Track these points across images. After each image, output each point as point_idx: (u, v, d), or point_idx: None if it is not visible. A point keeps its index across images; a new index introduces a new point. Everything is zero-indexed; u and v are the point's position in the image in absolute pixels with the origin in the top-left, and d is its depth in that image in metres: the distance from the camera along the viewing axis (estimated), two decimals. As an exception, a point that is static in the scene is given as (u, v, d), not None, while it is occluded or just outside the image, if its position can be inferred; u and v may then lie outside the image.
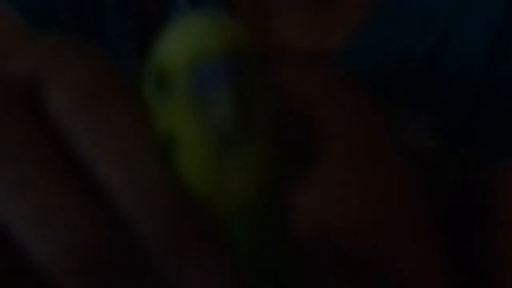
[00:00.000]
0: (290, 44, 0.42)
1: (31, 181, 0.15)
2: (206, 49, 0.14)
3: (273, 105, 0.16)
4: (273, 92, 0.16)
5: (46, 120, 0.15)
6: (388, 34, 0.40)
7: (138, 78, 0.17)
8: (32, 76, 0.16)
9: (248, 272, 0.16)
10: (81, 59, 0.16)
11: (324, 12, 0.42)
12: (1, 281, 0.16)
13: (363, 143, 0.30)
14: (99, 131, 0.15)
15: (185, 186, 0.15)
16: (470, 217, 0.38)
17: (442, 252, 0.32)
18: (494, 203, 0.38)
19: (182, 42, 0.15)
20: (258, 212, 0.15)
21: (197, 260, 0.15)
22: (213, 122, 0.14)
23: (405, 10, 0.41)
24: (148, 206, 0.15)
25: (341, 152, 0.29)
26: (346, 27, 0.41)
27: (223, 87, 0.14)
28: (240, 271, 0.15)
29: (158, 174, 0.15)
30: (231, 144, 0.14)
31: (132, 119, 0.15)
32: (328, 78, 0.32)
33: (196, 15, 0.15)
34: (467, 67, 0.39)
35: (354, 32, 0.41)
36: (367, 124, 0.31)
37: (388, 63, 0.40)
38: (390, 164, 0.32)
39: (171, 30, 0.15)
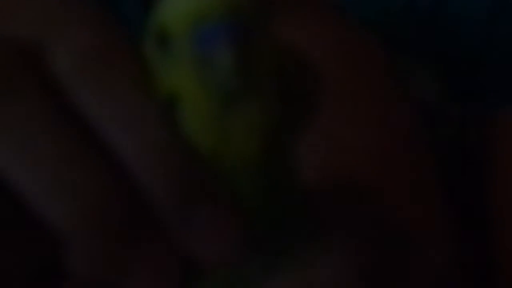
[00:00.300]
0: None
1: (39, 144, 0.15)
2: (206, 8, 0.15)
3: (275, 60, 0.16)
4: (276, 47, 0.16)
5: (49, 80, 0.16)
6: None
7: (142, 36, 0.17)
8: (35, 35, 0.16)
9: (254, 222, 0.16)
10: (84, 18, 0.16)
11: None
12: (14, 244, 0.17)
13: (366, 92, 0.31)
14: (103, 91, 0.15)
15: (190, 143, 0.15)
16: (470, 165, 0.39)
17: (443, 202, 0.32)
18: (495, 149, 0.38)
19: (182, 2, 0.15)
20: (262, 165, 0.16)
21: (205, 212, 0.15)
22: (215, 79, 0.14)
23: None
24: (156, 164, 0.15)
25: (344, 101, 0.29)
26: None
27: (224, 45, 0.14)
28: (247, 221, 0.15)
29: (163, 132, 0.15)
30: (232, 100, 0.15)
31: (135, 79, 0.16)
32: (331, 27, 0.32)
33: None
34: (470, 16, 0.38)
35: None
36: (371, 74, 0.31)
37: (392, 11, 0.39)
38: (395, 112, 0.32)
39: None
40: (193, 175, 0.15)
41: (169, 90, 0.15)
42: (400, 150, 0.31)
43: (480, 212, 0.39)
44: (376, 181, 0.27)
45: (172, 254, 0.15)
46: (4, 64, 0.15)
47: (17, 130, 0.15)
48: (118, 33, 0.16)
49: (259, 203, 0.16)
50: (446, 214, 0.33)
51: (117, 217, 0.15)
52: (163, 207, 0.15)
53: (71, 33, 0.16)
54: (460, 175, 0.39)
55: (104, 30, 0.16)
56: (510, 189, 0.37)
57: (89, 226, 0.15)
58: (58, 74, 0.15)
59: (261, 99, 0.15)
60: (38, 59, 0.15)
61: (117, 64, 0.16)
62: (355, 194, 0.22)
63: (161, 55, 0.15)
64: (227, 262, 0.16)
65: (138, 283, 0.15)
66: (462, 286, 0.31)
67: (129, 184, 0.15)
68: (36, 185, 0.15)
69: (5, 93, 0.15)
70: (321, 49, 0.29)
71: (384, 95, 0.31)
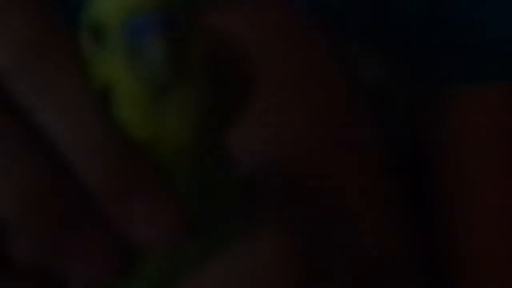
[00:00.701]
0: None
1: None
2: (138, 2, 0.15)
3: (208, 49, 0.16)
4: (208, 36, 0.17)
5: None
6: None
7: (79, 26, 0.17)
8: None
9: (190, 209, 0.16)
10: (21, 7, 0.16)
11: None
12: None
13: (302, 76, 0.31)
14: (39, 81, 0.15)
15: (125, 132, 0.15)
16: (419, 147, 0.39)
17: (391, 183, 0.33)
18: (441, 130, 0.39)
19: None
20: (197, 151, 0.16)
21: (140, 198, 0.15)
22: (146, 70, 0.15)
23: None
24: (91, 152, 0.15)
25: (279, 86, 0.29)
26: None
27: (153, 36, 0.15)
28: (182, 207, 0.16)
29: (99, 121, 0.15)
30: (164, 89, 0.15)
31: (71, 69, 0.16)
32: (274, 15, 0.32)
33: None
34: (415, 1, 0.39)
35: None
36: (310, 59, 0.31)
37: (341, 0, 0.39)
38: (336, 96, 0.32)
39: None
40: (127, 163, 0.15)
41: (104, 82, 0.16)
42: (341, 135, 0.31)
43: (427, 194, 0.39)
44: (316, 167, 0.27)
45: (110, 237, 0.16)
46: None
47: None
48: (55, 23, 0.16)
49: (194, 189, 0.17)
50: (393, 201, 0.33)
51: (54, 204, 0.15)
52: (99, 194, 0.15)
53: (7, 22, 0.16)
54: (409, 157, 0.39)
55: (41, 19, 0.16)
56: (456, 167, 0.38)
57: (25, 213, 0.15)
58: None
59: (193, 88, 0.15)
60: None
61: (53, 55, 0.16)
62: (294, 179, 0.23)
63: (96, 47, 0.16)
64: (165, 246, 0.16)
65: (76, 267, 0.16)
66: (407, 276, 0.31)
67: (67, 172, 0.15)
68: None
69: None
70: (257, 35, 0.29)
71: (323, 79, 0.31)
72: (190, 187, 0.16)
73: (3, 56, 0.15)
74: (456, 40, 0.39)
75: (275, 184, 0.21)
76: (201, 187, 0.17)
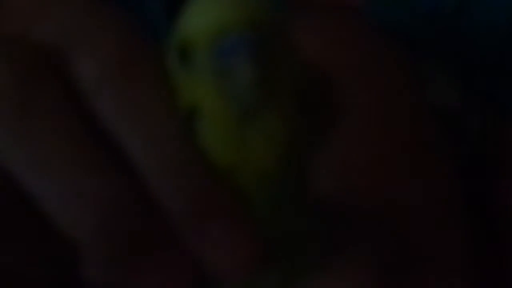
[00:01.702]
0: None
1: (58, 155, 0.15)
2: (227, 23, 0.15)
3: (295, 73, 0.16)
4: (296, 60, 0.16)
5: (71, 87, 0.16)
6: None
7: (165, 45, 0.17)
8: (62, 42, 0.16)
9: (270, 239, 0.16)
10: (111, 27, 0.16)
11: None
12: (33, 251, 0.17)
13: (383, 104, 0.30)
14: (125, 104, 0.15)
15: (208, 157, 0.15)
16: (489, 171, 0.37)
17: (461, 213, 0.32)
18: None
19: (204, 16, 0.15)
20: (280, 180, 0.16)
21: (218, 227, 0.15)
22: (234, 93, 0.15)
23: None
24: (173, 178, 0.15)
25: (361, 115, 0.28)
26: None
27: (243, 58, 0.14)
28: (260, 235, 0.15)
29: (183, 146, 0.15)
30: (251, 113, 0.15)
31: (157, 92, 0.16)
32: (350, 36, 0.31)
33: None
34: (493, 25, 0.38)
35: None
36: (387, 84, 0.31)
37: (414, 18, 0.38)
38: (410, 124, 0.31)
39: (193, 5, 0.15)
40: (209, 190, 0.15)
41: (190, 103, 0.15)
42: (414, 161, 0.30)
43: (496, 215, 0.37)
44: (394, 199, 0.26)
45: (186, 263, 0.15)
46: (31, 70, 0.15)
47: (35, 136, 0.15)
48: (142, 44, 0.16)
49: (275, 217, 0.16)
50: (468, 233, 0.32)
51: (131, 226, 0.15)
52: (178, 220, 0.15)
53: (96, 43, 0.16)
54: (481, 176, 0.38)
55: (129, 41, 0.16)
56: None
57: (102, 233, 0.15)
58: (82, 84, 0.15)
59: (280, 112, 0.15)
60: (64, 67, 0.16)
61: (140, 78, 0.16)
62: (372, 210, 0.22)
63: (183, 68, 0.15)
64: (241, 276, 0.16)
65: None
66: None
67: (147, 196, 0.15)
68: (49, 192, 0.15)
69: (30, 98, 0.15)
70: (335, 58, 0.28)
71: (400, 107, 0.30)
72: (270, 214, 0.16)
73: (91, 76, 0.15)
74: None
75: (354, 214, 0.20)
76: (282, 214, 0.16)
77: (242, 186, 0.16)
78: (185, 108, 0.16)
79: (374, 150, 0.28)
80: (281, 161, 0.16)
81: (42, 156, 0.15)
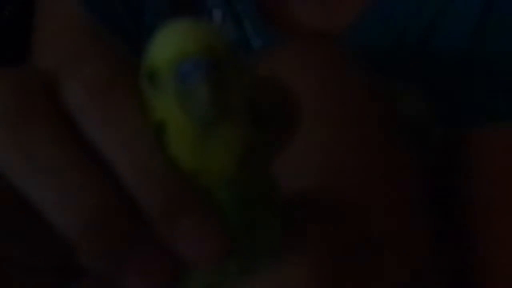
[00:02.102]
0: (305, 22, 0.45)
1: (51, 163, 0.16)
2: (185, 50, 0.16)
3: (247, 90, 0.17)
4: (249, 79, 0.17)
5: (61, 106, 0.17)
6: (388, 17, 0.44)
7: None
8: (56, 69, 0.18)
9: (233, 229, 0.17)
10: (97, 55, 0.18)
11: None
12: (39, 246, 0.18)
13: (351, 115, 0.33)
14: (105, 121, 0.17)
15: (175, 163, 0.16)
16: (450, 172, 0.42)
17: (424, 211, 0.35)
18: (470, 159, 0.42)
19: (167, 44, 0.17)
20: (239, 181, 0.17)
21: (186, 222, 0.16)
22: (194, 109, 0.16)
23: None
24: (145, 181, 0.16)
25: (332, 125, 0.32)
26: (353, 8, 0.45)
27: (199, 80, 0.16)
28: (225, 229, 0.17)
29: (153, 154, 0.17)
30: (210, 126, 0.16)
31: (133, 110, 0.17)
32: (328, 58, 0.35)
33: (179, 22, 0.17)
34: (453, 47, 0.42)
35: (359, 13, 0.45)
36: (351, 99, 0.34)
37: (387, 42, 0.43)
38: (377, 133, 0.35)
39: (159, 35, 0.17)
40: (176, 190, 0.17)
41: (158, 119, 0.17)
42: (379, 165, 0.33)
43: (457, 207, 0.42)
44: (355, 194, 0.28)
45: (162, 254, 0.17)
46: (29, 94, 0.17)
47: (30, 148, 0.16)
48: (125, 67, 0.18)
49: (237, 214, 0.18)
50: (425, 225, 0.35)
51: (115, 223, 0.16)
52: (154, 216, 0.16)
53: (82, 69, 0.17)
54: (443, 176, 0.42)
55: (111, 66, 0.18)
56: (483, 196, 0.41)
57: (88, 231, 0.16)
58: (69, 104, 0.17)
59: (234, 124, 0.16)
60: (56, 90, 0.17)
61: (118, 98, 0.17)
62: (333, 205, 0.23)
63: (152, 89, 0.17)
64: (208, 264, 0.17)
65: (133, 279, 0.17)
66: None
67: (126, 196, 0.16)
68: (44, 197, 0.16)
69: (25, 116, 0.17)
70: (307, 74, 0.32)
71: (363, 118, 0.34)
72: (232, 210, 0.17)
73: (76, 98, 0.17)
74: (490, 82, 0.42)
75: (314, 209, 0.21)
76: (244, 211, 0.18)
77: (206, 188, 0.17)
78: (155, 123, 0.17)
79: (335, 153, 0.31)
80: (238, 165, 0.17)
81: (33, 163, 0.16)
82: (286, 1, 0.46)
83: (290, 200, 0.19)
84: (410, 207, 0.35)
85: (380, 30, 0.44)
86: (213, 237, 0.17)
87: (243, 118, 0.17)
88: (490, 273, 0.40)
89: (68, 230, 0.16)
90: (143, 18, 0.46)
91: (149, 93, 0.17)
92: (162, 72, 0.16)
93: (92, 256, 0.17)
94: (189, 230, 0.16)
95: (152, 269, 0.17)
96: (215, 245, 0.17)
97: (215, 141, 0.16)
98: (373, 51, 0.42)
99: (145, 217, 0.17)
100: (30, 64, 0.25)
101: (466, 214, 0.41)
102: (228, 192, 0.17)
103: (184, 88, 0.16)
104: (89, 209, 0.16)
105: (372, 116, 0.35)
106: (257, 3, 0.46)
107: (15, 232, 0.18)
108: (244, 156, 0.17)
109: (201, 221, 0.17)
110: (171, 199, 0.16)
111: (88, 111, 0.17)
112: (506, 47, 0.43)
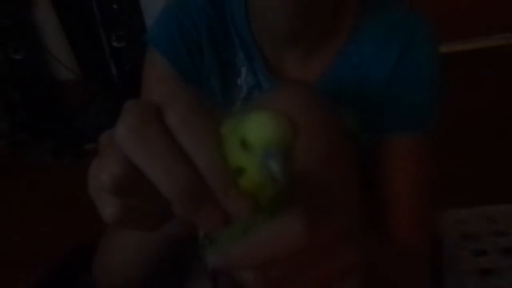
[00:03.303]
0: (293, 76, 0.56)
1: (161, 156, 0.23)
2: (272, 140, 0.22)
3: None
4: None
5: (165, 125, 0.23)
6: (342, 72, 0.55)
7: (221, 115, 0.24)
8: (159, 103, 0.24)
9: (261, 201, 0.23)
10: (183, 97, 0.25)
11: (311, 55, 0.55)
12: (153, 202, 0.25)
13: (320, 131, 0.43)
14: (191, 137, 0.23)
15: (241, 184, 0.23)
16: (375, 167, 0.55)
17: (358, 186, 0.48)
18: (385, 159, 0.55)
19: (259, 130, 0.22)
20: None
21: (233, 193, 0.23)
22: (269, 175, 0.22)
23: (352, 57, 0.55)
24: (211, 170, 0.23)
25: (311, 140, 0.40)
26: (324, 64, 0.55)
27: (277, 162, 0.22)
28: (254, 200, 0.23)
29: (213, 157, 0.23)
30: (274, 184, 0.23)
31: (205, 129, 0.23)
32: (308, 96, 0.44)
33: (266, 112, 0.23)
34: (377, 89, 0.54)
35: (326, 69, 0.55)
36: (329, 122, 0.44)
37: (341, 90, 0.54)
38: (334, 140, 0.45)
39: (254, 118, 0.23)
40: (226, 177, 0.23)
41: (239, 165, 0.23)
42: (336, 161, 0.44)
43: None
44: (323, 176, 0.37)
45: (220, 209, 0.23)
46: (149, 115, 0.23)
47: (150, 148, 0.23)
48: (208, 109, 0.23)
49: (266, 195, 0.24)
50: (359, 192, 0.47)
51: (195, 189, 0.23)
52: (214, 189, 0.23)
53: (175, 104, 0.23)
54: (370, 171, 0.55)
55: (191, 104, 0.23)
56: (391, 174, 0.54)
57: (180, 196, 0.23)
58: (168, 124, 0.23)
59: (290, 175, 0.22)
60: (160, 114, 0.23)
61: (199, 129, 0.23)
62: (310, 184, 0.29)
63: (241, 149, 0.23)
64: (244, 217, 0.23)
65: (203, 220, 0.24)
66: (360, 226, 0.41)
67: (201, 178, 0.23)
68: (156, 175, 0.23)
69: (146, 128, 0.23)
70: (303, 113, 0.38)
71: (329, 134, 0.44)
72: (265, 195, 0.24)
73: (173, 122, 0.23)
74: (399, 107, 0.54)
75: (302, 187, 0.27)
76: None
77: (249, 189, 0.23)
78: (235, 165, 0.23)
79: (315, 152, 0.41)
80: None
81: (151, 156, 0.22)
82: (281, 60, 0.56)
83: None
84: (350, 178, 0.47)
85: (337, 80, 0.54)
86: (246, 202, 0.23)
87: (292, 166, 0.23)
88: (391, 216, 0.54)
89: (169, 193, 0.23)
90: (203, 70, 0.56)
91: (236, 148, 0.23)
92: (255, 147, 0.22)
93: (182, 207, 0.23)
94: (234, 198, 0.23)
95: (214, 216, 0.24)
96: (247, 206, 0.23)
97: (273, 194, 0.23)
98: (333, 91, 0.53)
99: (211, 189, 0.23)
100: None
101: (381, 183, 0.54)
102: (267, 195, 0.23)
103: (267, 163, 0.22)
104: (181, 182, 0.23)
105: (333, 128, 0.45)
106: (264, 62, 0.55)
107: (141, 194, 0.25)
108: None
109: (239, 193, 0.23)
110: (225, 181, 0.23)
111: (179, 131, 0.23)
112: (409, 87, 0.54)
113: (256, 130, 0.22)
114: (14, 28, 2.05)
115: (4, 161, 1.94)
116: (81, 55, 2.16)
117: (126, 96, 0.26)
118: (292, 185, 0.24)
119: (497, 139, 1.49)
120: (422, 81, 0.53)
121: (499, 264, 0.75)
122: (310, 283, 0.27)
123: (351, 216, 0.37)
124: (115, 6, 1.96)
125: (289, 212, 0.25)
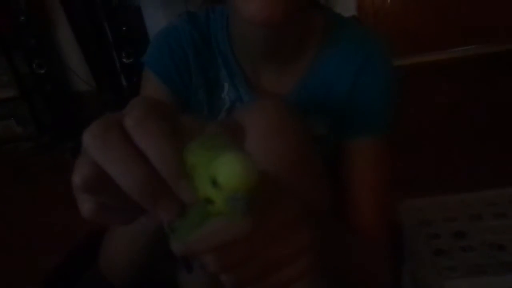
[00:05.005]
0: (269, 90, 0.55)
1: (120, 157, 0.23)
2: (240, 185, 0.21)
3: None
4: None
5: (124, 132, 0.23)
6: (311, 85, 0.55)
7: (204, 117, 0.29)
8: (124, 113, 0.24)
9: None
10: (143, 105, 0.24)
11: (284, 71, 0.55)
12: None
13: (292, 137, 0.42)
14: (144, 137, 0.23)
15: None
16: (340, 168, 0.55)
17: (329, 187, 0.47)
18: (348, 159, 0.55)
19: (230, 175, 0.21)
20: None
21: (182, 184, 0.23)
22: (235, 213, 0.22)
23: (319, 72, 0.54)
24: (163, 165, 0.23)
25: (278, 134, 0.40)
26: (294, 79, 0.55)
27: (241, 205, 0.22)
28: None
29: (163, 156, 0.23)
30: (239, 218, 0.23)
31: (159, 138, 0.23)
32: (281, 110, 0.43)
33: (234, 156, 0.22)
34: (340, 100, 0.55)
35: (297, 83, 0.55)
36: (299, 132, 0.44)
37: (310, 100, 0.55)
38: (305, 145, 0.44)
39: (224, 160, 0.22)
40: (177, 171, 0.22)
41: (206, 196, 0.22)
42: (305, 161, 0.44)
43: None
44: (293, 177, 0.35)
45: (175, 199, 0.23)
46: (109, 123, 0.23)
47: (110, 151, 0.23)
48: (158, 107, 0.24)
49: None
50: (330, 192, 0.47)
51: (152, 183, 0.23)
52: (168, 181, 0.23)
53: (131, 111, 0.23)
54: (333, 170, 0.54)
55: (148, 109, 0.23)
56: (354, 172, 0.54)
57: (140, 189, 0.23)
58: (126, 127, 0.23)
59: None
60: (122, 123, 0.23)
61: (149, 126, 0.23)
62: (284, 181, 0.29)
63: (210, 185, 0.22)
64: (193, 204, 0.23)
65: (161, 210, 0.23)
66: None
67: (156, 172, 0.23)
68: (116, 174, 0.23)
69: (107, 134, 0.23)
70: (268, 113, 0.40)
71: (299, 140, 0.43)
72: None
73: (130, 122, 0.23)
74: (359, 114, 0.54)
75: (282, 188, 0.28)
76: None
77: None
78: (204, 196, 0.22)
79: (286, 155, 0.40)
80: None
81: (112, 158, 0.23)
82: (258, 75, 0.56)
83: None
84: (319, 175, 0.46)
85: (308, 93, 0.55)
86: (192, 193, 0.23)
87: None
88: (353, 208, 0.53)
89: (127, 188, 0.23)
90: (190, 85, 0.55)
91: (206, 182, 0.22)
92: (224, 188, 0.22)
93: (141, 201, 0.23)
94: (184, 185, 0.23)
95: (171, 207, 0.23)
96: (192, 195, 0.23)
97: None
98: (304, 100, 0.53)
99: (165, 182, 0.23)
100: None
101: (346, 180, 0.54)
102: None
103: (233, 204, 0.22)
104: (136, 178, 0.23)
105: (307, 136, 0.45)
106: (244, 78, 0.55)
107: (111, 191, 0.24)
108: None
109: (185, 185, 0.23)
110: (175, 171, 0.23)
111: (136, 134, 0.23)
112: (366, 98, 0.53)
113: (226, 173, 0.22)
114: (38, 47, 2.08)
115: (31, 160, 1.97)
116: (96, 70, 2.19)
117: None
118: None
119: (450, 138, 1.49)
120: (378, 93, 0.54)
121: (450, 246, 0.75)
122: (263, 265, 0.27)
123: (309, 203, 0.34)
124: (124, 28, 1.99)
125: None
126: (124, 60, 1.97)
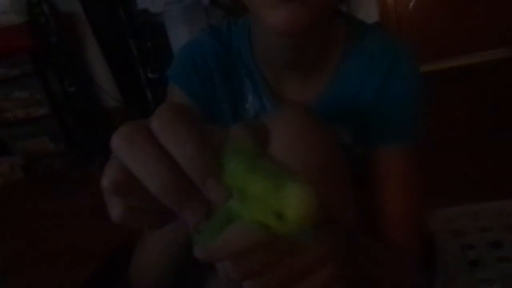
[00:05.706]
0: (293, 99, 0.55)
1: (148, 158, 0.22)
2: (308, 220, 0.22)
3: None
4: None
5: (152, 134, 0.23)
6: (335, 94, 0.54)
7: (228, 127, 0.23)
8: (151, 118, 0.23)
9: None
10: (169, 109, 0.23)
11: (307, 80, 0.53)
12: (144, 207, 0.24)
13: (319, 146, 0.42)
14: (171, 138, 0.22)
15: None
16: (367, 178, 0.53)
17: (354, 195, 0.45)
18: (376, 169, 0.53)
19: (298, 212, 0.21)
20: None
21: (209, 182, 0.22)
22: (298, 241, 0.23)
23: (343, 81, 0.53)
24: (191, 166, 0.22)
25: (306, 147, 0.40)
26: (317, 88, 0.54)
27: (308, 238, 0.22)
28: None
29: (189, 156, 0.22)
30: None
31: (185, 138, 0.22)
32: (309, 118, 0.43)
33: (303, 188, 0.22)
34: (365, 108, 0.53)
35: (321, 92, 0.54)
36: (324, 139, 0.43)
37: (335, 109, 0.53)
38: (334, 155, 0.44)
39: (290, 194, 0.22)
40: (206, 170, 0.22)
41: (259, 221, 0.23)
42: (330, 169, 0.42)
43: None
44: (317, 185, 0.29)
45: (203, 200, 0.22)
46: (138, 127, 0.23)
47: (138, 152, 0.22)
48: (197, 122, 0.23)
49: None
50: (354, 201, 0.45)
51: (180, 186, 0.22)
52: (196, 182, 0.22)
53: (157, 114, 0.23)
54: (363, 182, 0.52)
55: (175, 113, 0.23)
56: (381, 182, 0.52)
57: (164, 189, 0.22)
58: (152, 130, 0.23)
59: None
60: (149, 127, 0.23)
61: (176, 128, 0.22)
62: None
63: (272, 215, 0.22)
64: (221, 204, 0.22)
65: (188, 216, 0.23)
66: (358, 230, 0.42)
67: (183, 172, 0.22)
68: (143, 176, 0.22)
69: (136, 136, 0.22)
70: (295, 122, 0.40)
71: (323, 147, 0.43)
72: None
73: (156, 124, 0.23)
74: (386, 122, 0.52)
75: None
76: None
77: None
78: (255, 221, 0.22)
79: (314, 164, 0.40)
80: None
81: (139, 160, 0.22)
82: (282, 85, 0.55)
83: None
84: (344, 183, 0.45)
85: (332, 102, 0.54)
86: (221, 189, 0.22)
87: None
88: (383, 217, 0.51)
89: (154, 190, 0.22)
90: (214, 97, 0.55)
91: (265, 212, 0.22)
92: (289, 221, 0.22)
93: (168, 202, 0.22)
94: (211, 185, 0.22)
95: (198, 209, 0.23)
96: (222, 193, 0.22)
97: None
98: (327, 112, 0.52)
99: (194, 184, 0.22)
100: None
101: (374, 191, 0.52)
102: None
103: (299, 236, 0.22)
104: (163, 179, 0.22)
105: (332, 143, 0.45)
106: (267, 88, 0.55)
107: (140, 194, 0.23)
108: None
109: (216, 181, 0.22)
110: (202, 171, 0.22)
111: (163, 139, 0.23)
112: (392, 106, 0.52)
113: (293, 209, 0.22)
114: (69, 66, 2.13)
115: (62, 175, 2.00)
116: (123, 86, 2.22)
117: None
118: None
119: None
120: (405, 100, 0.52)
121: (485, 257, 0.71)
122: (285, 274, 0.26)
123: (332, 211, 0.34)
124: (149, 44, 2.02)
125: None
126: (150, 75, 2.00)
